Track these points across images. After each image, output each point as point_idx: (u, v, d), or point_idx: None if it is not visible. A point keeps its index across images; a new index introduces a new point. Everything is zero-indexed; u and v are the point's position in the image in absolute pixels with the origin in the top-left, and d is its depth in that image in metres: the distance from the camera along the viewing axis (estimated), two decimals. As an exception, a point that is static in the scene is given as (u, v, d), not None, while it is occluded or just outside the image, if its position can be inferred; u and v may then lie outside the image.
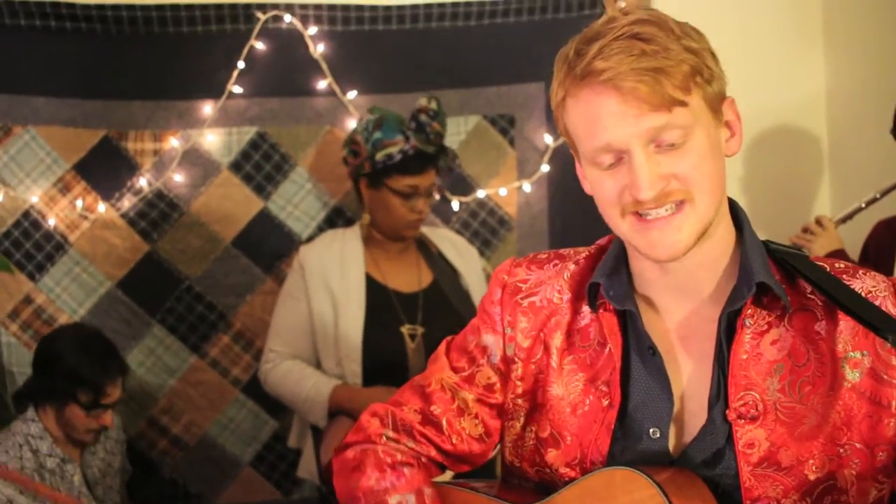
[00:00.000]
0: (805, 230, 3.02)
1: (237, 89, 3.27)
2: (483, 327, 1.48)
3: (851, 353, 1.30)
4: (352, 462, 1.48)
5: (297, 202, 3.36)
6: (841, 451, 1.28)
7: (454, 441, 1.47)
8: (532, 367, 1.44)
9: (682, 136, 1.26)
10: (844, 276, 1.34)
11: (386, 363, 2.85)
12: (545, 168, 3.41)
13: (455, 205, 3.38)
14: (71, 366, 2.73)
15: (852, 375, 1.29)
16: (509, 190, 3.43)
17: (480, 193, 3.42)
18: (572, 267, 1.46)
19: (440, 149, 2.93)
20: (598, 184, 1.31)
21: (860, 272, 1.35)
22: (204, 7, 3.24)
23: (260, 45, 3.27)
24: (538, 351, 1.43)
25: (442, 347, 1.54)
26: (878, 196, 2.94)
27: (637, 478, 1.28)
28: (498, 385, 1.46)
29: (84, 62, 3.22)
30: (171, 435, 3.34)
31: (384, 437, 1.48)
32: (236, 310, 3.35)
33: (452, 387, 1.47)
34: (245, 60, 3.26)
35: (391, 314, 2.93)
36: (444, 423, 1.46)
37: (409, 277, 3.01)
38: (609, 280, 1.37)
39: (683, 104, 1.25)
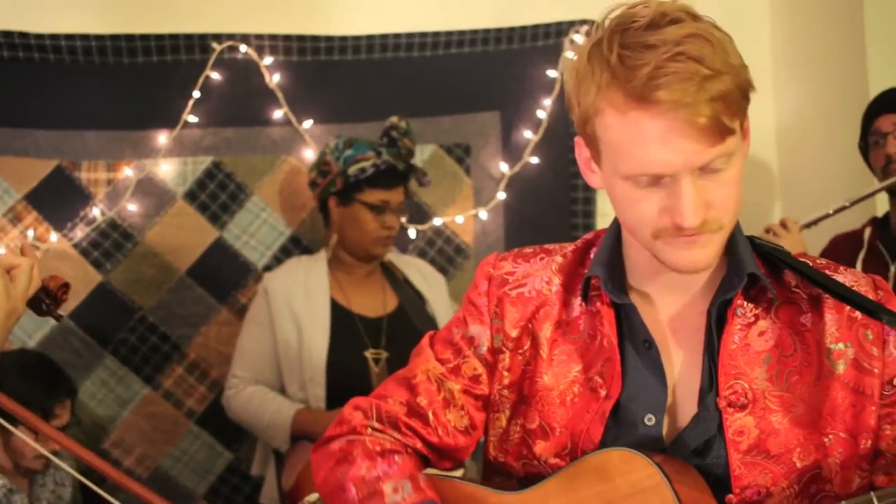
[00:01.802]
0: (768, 230, 3.03)
1: (192, 119, 3.26)
2: (469, 318, 1.48)
3: (836, 345, 1.33)
4: (337, 454, 1.45)
5: (253, 231, 3.35)
6: (826, 440, 1.31)
7: (440, 433, 1.46)
8: (519, 358, 1.44)
9: (727, 162, 1.24)
10: (827, 270, 1.37)
11: (350, 387, 2.81)
12: (501, 196, 3.44)
13: (412, 233, 3.39)
14: (15, 389, 2.67)
15: (837, 366, 1.32)
16: (466, 218, 3.45)
17: (437, 221, 3.44)
18: (559, 259, 1.46)
19: (409, 167, 2.96)
20: (631, 200, 1.27)
21: (840, 268, 1.39)
22: (159, 37, 3.24)
23: (215, 75, 3.27)
24: (526, 342, 1.43)
25: (425, 341, 1.53)
26: (846, 205, 2.97)
27: (635, 458, 1.29)
28: (484, 376, 1.46)
29: (37, 92, 3.19)
30: (124, 468, 3.27)
31: (369, 429, 1.46)
32: (191, 340, 3.32)
33: (438, 378, 1.47)
34: (200, 90, 3.26)
35: (356, 338, 2.94)
36: (430, 415, 1.45)
37: (373, 302, 3.01)
38: (606, 272, 1.38)
39: (733, 132, 1.23)
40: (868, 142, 2.93)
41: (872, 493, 1.18)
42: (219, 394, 3.28)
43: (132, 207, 3.25)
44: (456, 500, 1.43)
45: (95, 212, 3.24)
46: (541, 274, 1.45)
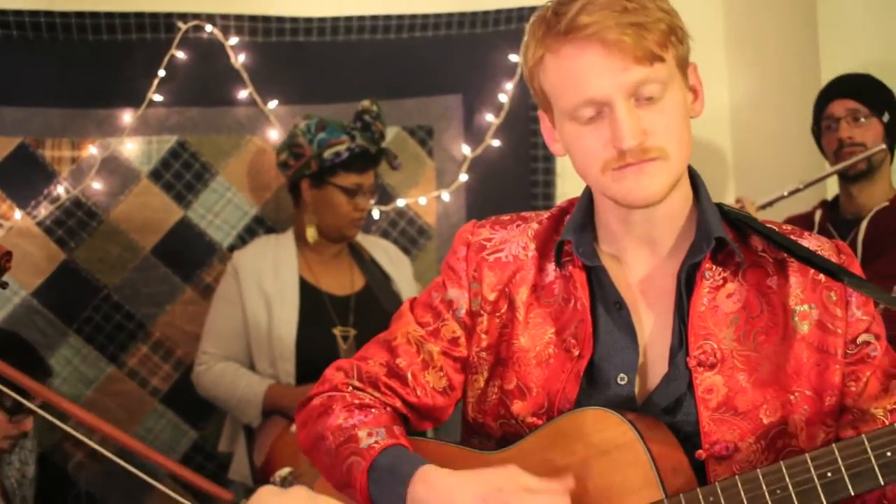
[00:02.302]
0: None
1: (157, 98, 3.27)
2: (448, 283, 1.53)
3: (801, 307, 1.40)
4: (318, 408, 1.50)
5: (218, 211, 3.37)
6: (792, 397, 1.38)
7: (419, 393, 1.50)
8: (497, 321, 1.49)
9: (660, 91, 1.32)
10: (792, 235, 1.44)
11: (319, 363, 2.81)
12: (463, 178, 3.50)
13: (375, 213, 3.44)
14: None
15: (802, 327, 1.40)
16: (428, 199, 3.50)
17: (400, 202, 3.49)
18: (535, 226, 1.52)
19: (380, 150, 3.01)
20: (578, 139, 1.36)
21: (805, 234, 1.46)
22: (124, 15, 3.24)
23: (181, 55, 3.28)
24: (503, 305, 1.49)
25: (406, 305, 1.58)
26: (801, 187, 3.06)
27: (608, 416, 1.34)
28: (462, 339, 1.51)
29: (0, 68, 3.18)
30: (88, 447, 3.28)
31: (350, 387, 1.51)
32: (155, 319, 3.33)
33: (418, 340, 1.51)
34: (166, 69, 3.27)
35: (324, 316, 2.99)
36: (409, 375, 1.50)
37: (341, 281, 3.06)
38: (577, 237, 1.44)
39: (662, 60, 1.31)
40: (821, 126, 3.02)
41: (863, 436, 1.24)
42: (184, 372, 3.31)
43: (97, 186, 3.26)
44: (435, 460, 1.45)
45: (60, 190, 3.24)
46: (517, 240, 1.51)
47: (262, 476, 2.81)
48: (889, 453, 1.21)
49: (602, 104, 1.33)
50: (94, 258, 3.28)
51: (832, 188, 3.17)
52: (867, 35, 3.26)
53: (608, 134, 1.33)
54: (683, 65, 1.38)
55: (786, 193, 3.06)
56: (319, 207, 3.00)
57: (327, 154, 2.93)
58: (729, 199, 3.64)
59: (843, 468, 1.23)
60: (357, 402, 1.48)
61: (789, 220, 3.13)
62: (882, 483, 1.22)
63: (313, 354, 2.90)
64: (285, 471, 2.68)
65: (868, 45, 3.25)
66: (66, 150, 3.26)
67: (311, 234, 3.02)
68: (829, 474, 1.24)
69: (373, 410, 1.47)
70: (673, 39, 1.34)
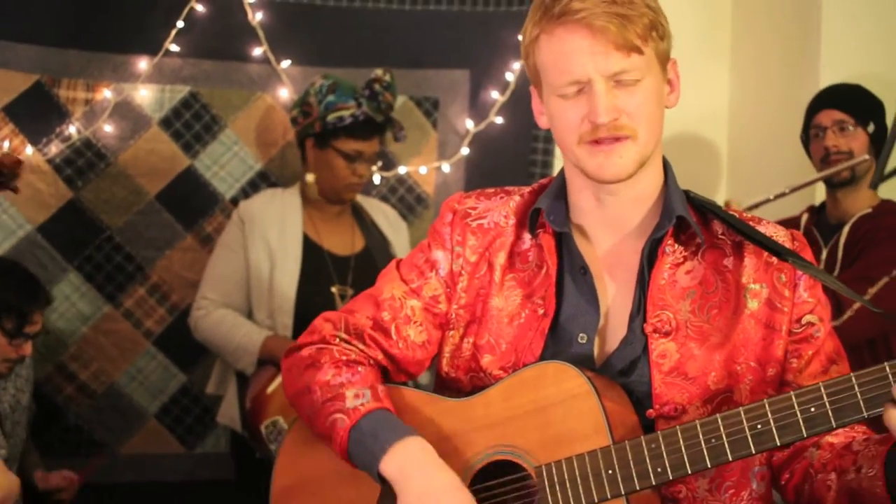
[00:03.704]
0: None
1: (174, 48, 3.35)
2: (433, 244, 1.67)
3: (752, 285, 1.54)
4: (307, 360, 1.62)
5: (224, 163, 3.46)
6: (738, 367, 1.50)
7: (401, 346, 1.64)
8: (476, 282, 1.62)
9: (636, 78, 1.47)
10: (751, 222, 1.58)
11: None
12: (465, 151, 3.59)
13: (376, 178, 3.53)
14: None
15: (752, 304, 1.53)
16: (429, 169, 3.60)
17: (401, 170, 3.58)
18: (517, 198, 1.66)
19: (387, 119, 3.09)
20: (561, 112, 1.51)
21: (764, 221, 1.60)
22: (148, -37, 3.32)
23: (200, 7, 3.36)
24: (483, 267, 1.62)
25: (392, 264, 1.71)
26: (786, 192, 3.15)
27: (567, 369, 1.47)
28: (443, 296, 1.64)
29: (21, 6, 3.26)
30: (79, 382, 3.39)
31: (337, 339, 1.63)
32: (154, 263, 3.43)
33: (402, 296, 1.65)
34: (184, 20, 3.34)
35: (324, 274, 3.08)
36: (392, 328, 1.63)
37: (343, 241, 3.16)
38: (550, 206, 1.58)
39: (640, 52, 1.46)
40: (809, 134, 3.12)
41: (791, 393, 1.36)
42: (178, 317, 3.41)
43: (108, 128, 3.35)
44: (406, 406, 1.60)
45: (71, 129, 3.32)
46: (500, 209, 1.65)
47: (250, 418, 2.91)
48: (813, 409, 1.34)
49: (584, 83, 1.46)
50: (99, 199, 3.37)
51: (821, 194, 3.25)
52: (869, 45, 3.34)
53: (586, 109, 1.47)
54: (663, 58, 1.51)
55: (772, 197, 3.15)
56: (319, 168, 3.09)
57: (330, 117, 3.01)
58: (720, 197, 3.73)
59: (771, 421, 1.36)
60: (345, 358, 1.60)
61: (777, 223, 3.20)
62: (805, 435, 1.35)
63: (311, 310, 2.91)
64: (268, 420, 2.79)
65: (869, 56, 3.33)
66: (81, 91, 3.34)
67: (311, 189, 3.10)
68: (759, 426, 1.36)
69: (360, 368, 1.59)
70: (654, 34, 1.47)
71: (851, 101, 3.05)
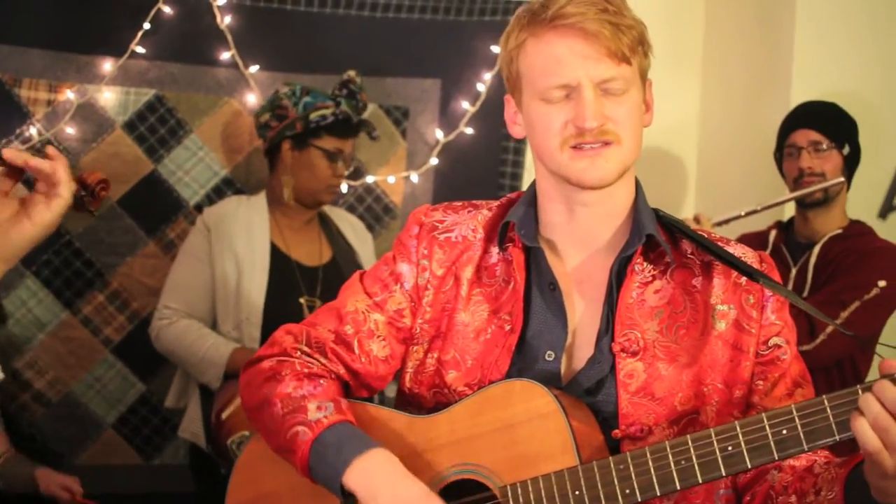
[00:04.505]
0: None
1: (140, 50, 3.28)
2: (399, 257, 1.63)
3: (721, 306, 1.52)
4: (267, 371, 1.57)
5: (189, 168, 3.40)
6: (705, 389, 1.48)
7: (363, 361, 1.59)
8: (441, 297, 1.58)
9: (623, 88, 1.47)
10: (720, 242, 1.56)
11: (283, 331, 2.92)
12: (434, 161, 3.56)
13: (344, 187, 3.48)
14: None
15: (720, 325, 1.51)
16: (397, 179, 3.56)
17: (369, 179, 3.54)
18: (485, 212, 1.63)
19: (361, 120, 3.06)
20: (544, 116, 1.49)
21: (732, 242, 1.58)
22: (115, -37, 3.25)
23: (167, 10, 3.29)
24: (449, 281, 1.58)
25: (355, 277, 1.67)
26: (758, 209, 3.15)
27: (535, 387, 1.43)
28: (407, 310, 1.60)
29: (-16, 4, 3.19)
30: (34, 390, 3.30)
31: (299, 352, 1.59)
32: (115, 269, 3.35)
33: (365, 310, 1.61)
34: (151, 22, 3.28)
35: (292, 284, 3.02)
36: (355, 343, 1.59)
37: (311, 251, 3.11)
38: (520, 220, 1.55)
39: (629, 63, 1.46)
40: (783, 153, 3.11)
41: (763, 415, 1.33)
42: (138, 325, 3.33)
43: (70, 131, 3.27)
44: (368, 422, 1.55)
45: (32, 131, 3.24)
46: (467, 223, 1.62)
47: (216, 433, 2.83)
48: (784, 431, 1.31)
49: (572, 87, 1.45)
50: (59, 202, 3.28)
51: (789, 210, 3.25)
52: (842, 62, 3.35)
53: (572, 114, 1.45)
54: (644, 76, 1.51)
55: (742, 213, 3.16)
56: (299, 170, 3.03)
57: (314, 116, 2.98)
58: (688, 211, 3.73)
59: (742, 443, 1.33)
60: (306, 371, 1.56)
61: (744, 237, 3.20)
62: (776, 458, 1.32)
63: (279, 322, 2.87)
64: (237, 436, 2.72)
65: (841, 73, 3.33)
66: (43, 91, 3.27)
67: (287, 193, 3.03)
68: (729, 448, 1.33)
69: (321, 381, 1.54)
70: (640, 49, 1.48)
71: (828, 122, 3.04)
